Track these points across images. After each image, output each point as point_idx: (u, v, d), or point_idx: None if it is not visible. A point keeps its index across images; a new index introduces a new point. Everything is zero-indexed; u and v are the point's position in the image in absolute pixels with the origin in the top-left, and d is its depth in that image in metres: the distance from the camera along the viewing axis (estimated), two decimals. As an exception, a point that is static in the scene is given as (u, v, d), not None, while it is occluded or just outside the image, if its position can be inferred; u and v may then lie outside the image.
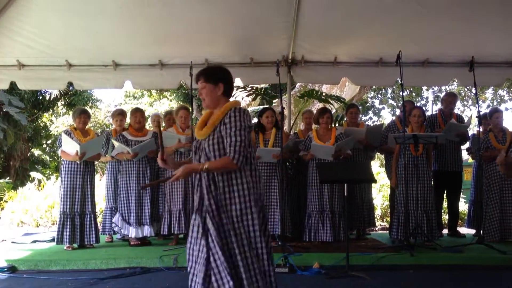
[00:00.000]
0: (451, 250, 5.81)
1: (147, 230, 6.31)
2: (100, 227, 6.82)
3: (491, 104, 17.48)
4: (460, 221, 7.92)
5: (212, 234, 2.87)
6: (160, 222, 6.54)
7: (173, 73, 7.60)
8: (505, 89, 16.63)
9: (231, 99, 3.10)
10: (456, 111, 7.95)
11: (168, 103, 18.71)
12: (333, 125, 6.85)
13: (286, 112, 7.76)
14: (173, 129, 6.69)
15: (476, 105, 6.63)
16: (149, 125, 9.78)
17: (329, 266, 5.18)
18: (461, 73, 7.35)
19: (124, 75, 7.53)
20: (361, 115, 17.72)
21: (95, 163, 6.70)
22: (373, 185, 7.53)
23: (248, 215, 2.93)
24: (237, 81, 7.80)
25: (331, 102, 9.17)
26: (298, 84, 11.76)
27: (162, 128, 7.23)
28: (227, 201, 2.94)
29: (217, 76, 3.07)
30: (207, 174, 2.94)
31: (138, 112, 6.71)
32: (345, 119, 7.52)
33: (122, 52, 7.30)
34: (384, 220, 9.23)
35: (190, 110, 6.83)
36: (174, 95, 18.06)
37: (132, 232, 6.31)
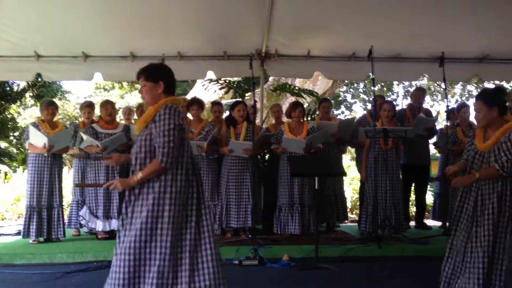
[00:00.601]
0: (418, 242, 5.94)
1: (115, 223, 6.24)
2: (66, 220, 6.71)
3: (459, 99, 17.82)
4: (427, 213, 8.07)
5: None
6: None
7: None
8: (473, 84, 16.95)
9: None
10: (426, 105, 8.10)
11: (139, 96, 18.48)
12: (305, 119, 6.88)
13: (258, 105, 7.76)
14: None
15: (445, 100, 6.74)
16: (120, 117, 9.65)
17: (298, 258, 5.23)
18: (431, 68, 7.45)
19: (94, 67, 7.40)
20: (333, 109, 17.87)
21: (63, 156, 6.58)
22: (344, 178, 7.60)
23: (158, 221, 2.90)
24: (210, 74, 7.76)
25: (304, 96, 9.20)
26: (271, 78, 11.76)
27: (133, 122, 7.16)
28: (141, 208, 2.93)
29: (157, 74, 3.06)
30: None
31: (108, 104, 6.60)
32: (317, 113, 7.56)
33: (92, 43, 7.16)
34: (354, 212, 9.34)
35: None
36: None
37: (99, 225, 6.23)
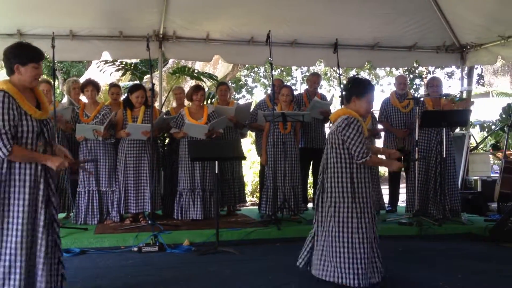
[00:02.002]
0: (315, 222, 6.14)
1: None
2: None
3: (353, 84, 18.64)
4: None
5: None
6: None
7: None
8: (366, 70, 17.84)
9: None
10: (323, 91, 8.38)
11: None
12: (205, 103, 6.83)
13: (157, 88, 7.58)
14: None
15: (340, 86, 7.01)
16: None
17: (199, 243, 5.24)
18: (326, 54, 7.70)
19: (-24, 45, 6.81)
20: (234, 93, 17.96)
21: None
22: (244, 162, 7.67)
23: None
24: (105, 55, 7.44)
25: (203, 79, 9.13)
26: (171, 61, 11.55)
27: None
28: None
29: None
30: None
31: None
32: (216, 97, 7.54)
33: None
34: (254, 196, 9.50)
35: (53, 84, 6.35)
36: (37, 68, 16.78)
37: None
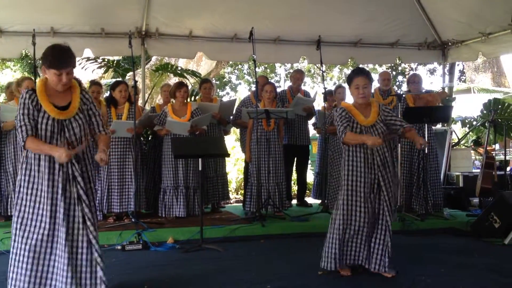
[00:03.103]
0: (299, 219, 6.18)
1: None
2: None
3: (337, 81, 18.75)
4: (308, 191, 8.43)
5: None
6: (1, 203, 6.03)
7: (14, 41, 6.94)
8: (350, 67, 17.91)
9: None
10: (306, 88, 8.41)
11: (12, 74, 17.10)
12: (188, 100, 6.80)
13: (140, 86, 7.53)
14: (14, 102, 6.11)
15: (323, 82, 7.03)
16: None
17: (183, 241, 5.22)
18: (309, 51, 7.74)
19: (-46, 41, 6.73)
20: (218, 90, 17.91)
21: None
22: (228, 159, 7.66)
23: None
24: (87, 52, 7.36)
25: (187, 76, 9.09)
26: (154, 58, 11.48)
27: (4, 101, 6.59)
28: None
29: None
30: None
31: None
32: (199, 94, 7.52)
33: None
34: (239, 193, 9.49)
35: (35, 82, 6.27)
36: (19, 65, 16.56)
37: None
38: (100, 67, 8.62)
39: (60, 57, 3.05)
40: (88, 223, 3.14)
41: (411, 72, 13.56)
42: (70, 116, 3.14)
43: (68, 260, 3.01)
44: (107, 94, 6.72)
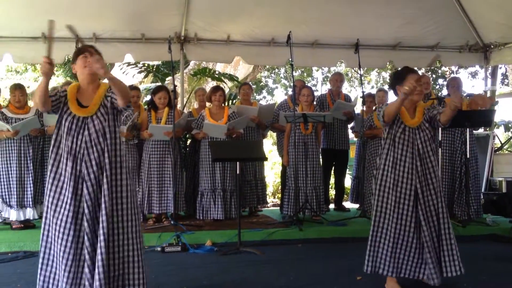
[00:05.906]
0: (337, 223, 6.14)
1: (30, 213, 5.95)
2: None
3: (375, 85, 18.52)
4: (345, 196, 8.36)
5: None
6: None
7: (58, 47, 7.09)
8: (388, 71, 17.67)
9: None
10: (344, 91, 8.34)
11: (55, 79, 17.62)
12: (226, 104, 6.87)
13: (179, 90, 7.64)
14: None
15: (361, 86, 6.98)
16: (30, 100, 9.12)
17: (221, 244, 5.26)
18: (347, 55, 7.68)
19: (3, 48, 6.99)
20: (255, 94, 17.97)
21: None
22: (265, 162, 7.69)
23: None
24: (128, 58, 7.53)
25: (224, 80, 9.17)
26: (192, 62, 11.63)
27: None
28: None
29: None
30: None
31: (17, 90, 6.13)
32: (238, 97, 7.57)
33: (1, 23, 6.74)
34: (276, 196, 9.50)
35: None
36: (61, 70, 17.04)
37: (13, 215, 5.91)
38: (140, 72, 8.81)
39: (82, 46, 3.30)
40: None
41: (451, 75, 13.28)
42: (91, 113, 3.13)
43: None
44: (147, 98, 6.84)
